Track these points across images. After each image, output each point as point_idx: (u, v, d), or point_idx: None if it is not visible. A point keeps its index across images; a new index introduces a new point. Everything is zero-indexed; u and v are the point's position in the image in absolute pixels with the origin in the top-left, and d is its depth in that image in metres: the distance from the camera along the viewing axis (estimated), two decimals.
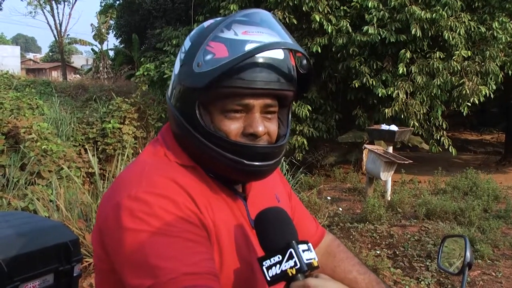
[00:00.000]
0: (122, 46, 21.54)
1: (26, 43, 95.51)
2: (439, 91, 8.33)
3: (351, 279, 1.19)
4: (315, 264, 0.84)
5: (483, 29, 8.27)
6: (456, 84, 8.23)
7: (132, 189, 0.89)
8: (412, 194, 6.96)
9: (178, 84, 0.98)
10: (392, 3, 8.12)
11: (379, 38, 8.20)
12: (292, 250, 0.82)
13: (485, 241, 4.86)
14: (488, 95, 8.29)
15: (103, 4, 23.76)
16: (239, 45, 0.90)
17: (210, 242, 0.92)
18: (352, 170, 9.44)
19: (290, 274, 0.81)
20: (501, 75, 8.53)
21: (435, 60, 8.27)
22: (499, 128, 16.43)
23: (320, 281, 0.80)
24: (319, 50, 8.58)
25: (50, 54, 58.75)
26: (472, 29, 8.29)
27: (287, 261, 0.81)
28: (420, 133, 9.09)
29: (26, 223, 1.68)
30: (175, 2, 14.06)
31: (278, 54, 0.94)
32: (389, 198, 6.65)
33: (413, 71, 8.36)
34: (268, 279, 0.82)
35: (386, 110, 8.51)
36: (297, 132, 9.19)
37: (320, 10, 8.54)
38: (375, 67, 8.75)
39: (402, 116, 8.56)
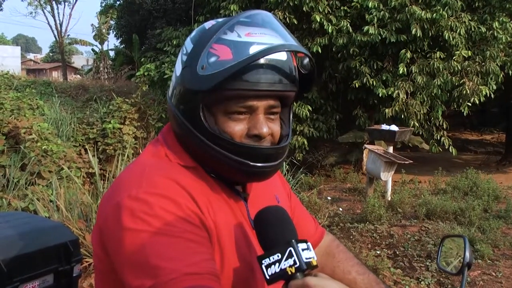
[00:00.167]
0: (122, 46, 21.57)
1: (26, 44, 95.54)
2: (439, 91, 8.33)
3: (350, 280, 1.19)
4: (314, 263, 0.84)
5: (483, 29, 8.27)
6: (456, 84, 8.24)
7: (133, 189, 0.89)
8: (412, 194, 6.95)
9: (181, 86, 0.98)
10: (393, 3, 8.12)
11: (380, 38, 8.21)
12: (291, 248, 0.82)
13: (485, 241, 4.86)
14: (488, 95, 8.29)
15: (103, 5, 23.82)
16: (243, 47, 0.90)
17: (211, 243, 0.92)
18: (353, 170, 9.45)
19: (289, 273, 0.81)
20: (501, 75, 8.53)
21: (435, 60, 8.27)
22: (499, 128, 16.42)
23: (319, 280, 0.80)
24: (320, 50, 8.59)
25: (51, 54, 58.77)
26: (473, 29, 8.29)
27: (286, 259, 0.81)
28: (420, 133, 9.09)
29: (26, 224, 1.68)
30: (176, 2, 14.07)
31: (281, 55, 0.94)
32: (389, 198, 6.64)
33: (413, 71, 8.36)
34: (267, 277, 0.82)
35: (387, 110, 8.52)
36: (298, 132, 9.20)
37: (321, 10, 8.54)
38: (375, 67, 8.76)
39: (403, 116, 8.56)
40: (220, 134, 0.94)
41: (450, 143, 8.91)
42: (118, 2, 20.67)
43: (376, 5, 8.27)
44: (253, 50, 0.89)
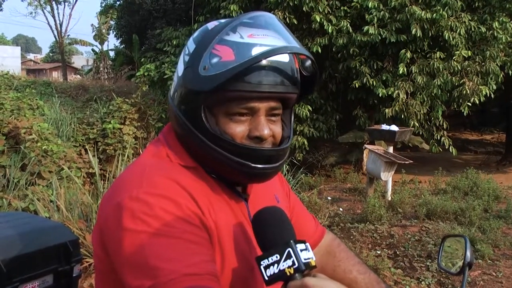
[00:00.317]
0: (122, 46, 21.57)
1: (26, 44, 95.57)
2: (439, 91, 8.33)
3: (351, 279, 1.19)
4: (313, 263, 0.84)
5: (483, 29, 8.27)
6: (456, 84, 8.24)
7: (133, 189, 0.89)
8: (413, 194, 6.95)
9: (183, 86, 0.98)
10: (393, 3, 8.12)
11: (380, 38, 8.21)
12: (290, 249, 0.82)
13: (486, 241, 4.86)
14: (488, 95, 8.29)
15: (103, 5, 23.82)
16: (246, 48, 0.90)
17: (211, 244, 0.92)
18: (353, 170, 9.44)
19: (288, 274, 0.81)
20: (501, 75, 8.53)
21: (435, 60, 8.27)
22: (499, 128, 16.43)
23: (318, 280, 0.80)
24: (320, 50, 8.59)
25: (51, 54, 58.78)
26: (473, 29, 8.29)
27: (285, 260, 0.81)
28: (420, 133, 9.09)
29: (26, 224, 1.68)
30: (176, 2, 14.07)
31: (283, 57, 0.94)
32: (389, 198, 6.64)
33: (413, 71, 8.36)
34: (266, 278, 0.82)
35: (387, 110, 8.52)
36: (298, 132, 9.20)
37: (321, 10, 8.54)
38: (375, 67, 8.76)
39: (403, 116, 8.56)
40: (221, 135, 0.94)
41: (450, 143, 8.91)
42: (118, 2, 20.67)
43: (376, 5, 8.26)
44: (255, 51, 0.89)
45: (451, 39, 8.03)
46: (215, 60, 0.91)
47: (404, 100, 8.42)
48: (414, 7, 7.99)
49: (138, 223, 0.85)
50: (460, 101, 8.46)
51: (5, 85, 14.99)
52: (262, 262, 0.83)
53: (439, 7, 7.97)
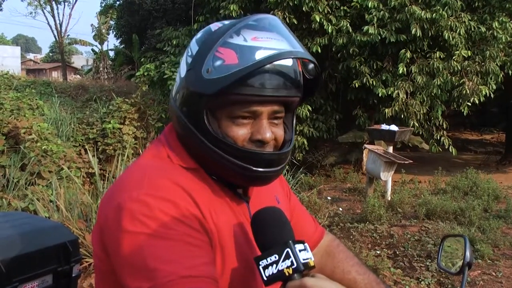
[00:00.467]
0: (122, 46, 21.58)
1: (26, 44, 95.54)
2: (439, 91, 8.32)
3: (350, 280, 1.19)
4: (312, 263, 0.84)
5: (483, 29, 8.26)
6: (456, 84, 8.23)
7: (134, 191, 0.89)
8: (412, 194, 6.95)
9: (185, 88, 0.97)
10: (392, 3, 8.12)
11: (379, 38, 8.20)
12: (288, 249, 0.82)
13: (485, 241, 4.86)
14: (488, 95, 8.28)
15: (103, 5, 23.83)
16: (249, 51, 0.89)
17: (211, 247, 0.91)
18: (352, 170, 9.44)
19: (287, 274, 0.81)
20: (501, 75, 8.53)
21: (435, 60, 8.26)
22: (499, 128, 16.42)
23: (316, 280, 0.80)
24: (319, 50, 8.58)
25: (50, 54, 58.78)
26: (472, 29, 8.28)
27: (283, 260, 0.81)
28: (420, 133, 9.09)
29: (25, 224, 1.68)
30: (175, 2, 14.07)
31: (287, 60, 0.94)
32: (389, 198, 6.64)
33: (413, 71, 8.36)
34: (265, 278, 0.82)
35: (386, 110, 8.51)
36: (298, 132, 9.19)
37: (320, 10, 8.53)
38: (375, 67, 8.75)
39: (402, 116, 8.55)
40: (223, 138, 0.94)
41: (450, 143, 8.91)
42: (118, 2, 20.68)
43: (376, 5, 8.26)
44: (259, 55, 0.89)
45: (451, 39, 8.03)
46: (218, 63, 0.90)
47: (404, 100, 8.41)
48: (414, 7, 7.98)
49: (137, 224, 0.85)
50: (460, 101, 8.45)
51: (5, 85, 15.01)
52: (260, 262, 0.83)
53: (439, 7, 7.96)
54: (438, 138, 8.90)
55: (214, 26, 0.99)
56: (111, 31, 23.64)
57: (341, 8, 8.77)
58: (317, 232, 1.29)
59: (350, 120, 9.82)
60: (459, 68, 8.19)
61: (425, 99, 8.53)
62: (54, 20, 33.15)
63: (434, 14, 7.91)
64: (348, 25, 8.47)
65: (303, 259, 0.82)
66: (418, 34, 8.01)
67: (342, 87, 9.71)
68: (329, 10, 8.71)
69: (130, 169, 1.00)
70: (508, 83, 9.71)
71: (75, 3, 41.68)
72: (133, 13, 16.52)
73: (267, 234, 0.89)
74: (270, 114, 0.96)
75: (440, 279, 4.09)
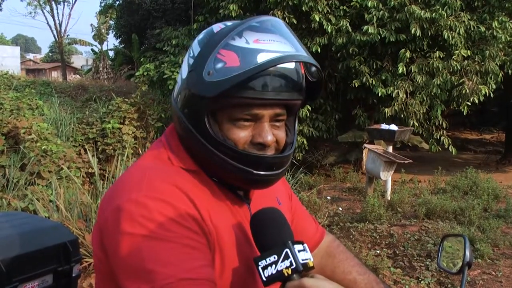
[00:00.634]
0: (122, 46, 21.59)
1: (26, 44, 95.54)
2: (439, 90, 8.33)
3: (350, 280, 1.19)
4: (311, 264, 0.84)
5: (482, 29, 8.27)
6: (456, 83, 8.24)
7: (133, 192, 0.89)
8: (412, 194, 6.95)
9: (186, 90, 0.97)
10: (392, 3, 8.12)
11: (379, 37, 8.21)
12: (287, 250, 0.82)
13: (485, 241, 4.86)
14: (488, 94, 8.29)
15: (102, 5, 23.81)
16: (251, 54, 0.88)
17: (210, 249, 0.91)
18: (352, 170, 9.44)
19: (286, 274, 0.81)
20: (501, 75, 8.53)
21: (434, 59, 8.27)
22: (499, 128, 16.43)
23: (315, 281, 0.80)
24: (319, 50, 8.59)
25: (50, 54, 58.78)
26: (472, 29, 8.29)
27: (282, 261, 0.82)
28: (420, 132, 9.10)
29: (25, 224, 1.68)
30: (175, 2, 14.08)
31: (289, 63, 0.93)
32: (389, 198, 6.64)
33: (412, 71, 8.36)
34: (264, 279, 0.82)
35: (386, 109, 8.52)
36: (297, 132, 9.17)
37: (320, 9, 8.54)
38: (374, 66, 8.76)
39: (402, 116, 8.56)
40: (224, 141, 0.94)
41: (450, 142, 8.91)
42: (117, 2, 20.68)
43: (376, 5, 8.27)
44: (261, 58, 0.88)
45: (451, 38, 8.03)
46: (219, 65, 0.89)
47: (403, 100, 8.42)
48: (414, 7, 7.99)
49: (136, 226, 0.85)
50: (460, 100, 8.46)
51: (4, 85, 15.00)
52: (260, 263, 0.83)
53: (438, 7, 7.96)
54: (438, 137, 8.90)
55: (216, 27, 0.98)
56: (111, 31, 23.66)
57: (341, 7, 8.78)
58: (318, 232, 1.29)
59: (349, 119, 9.83)
60: (459, 67, 8.20)
61: (425, 98, 8.54)
62: (54, 20, 33.20)
63: (433, 14, 7.92)
64: (348, 24, 8.48)
65: (302, 260, 0.82)
66: (417, 34, 8.01)
67: (341, 86, 9.72)
68: (329, 9, 8.72)
69: (130, 170, 1.00)
70: (508, 82, 9.71)
71: (74, 3, 41.74)
72: (132, 13, 16.53)
73: (266, 235, 0.89)
74: (272, 117, 0.96)
75: (440, 279, 4.09)
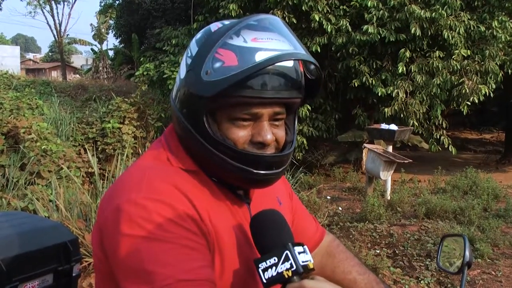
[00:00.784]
0: (121, 46, 21.58)
1: (25, 43, 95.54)
2: (438, 90, 8.33)
3: (350, 280, 1.19)
4: (311, 266, 0.84)
5: (482, 28, 8.27)
6: (455, 83, 8.24)
7: (132, 193, 0.89)
8: (412, 193, 6.96)
9: (184, 90, 0.96)
10: (392, 2, 8.12)
11: (379, 37, 8.21)
12: (288, 252, 0.82)
13: (485, 240, 4.86)
14: (488, 94, 8.29)
15: (102, 4, 23.79)
16: (249, 53, 0.88)
17: (209, 250, 0.91)
18: (352, 170, 9.44)
19: (286, 276, 0.81)
20: (500, 74, 8.53)
21: (434, 59, 8.27)
22: (499, 127, 16.44)
23: (315, 283, 0.80)
24: (319, 50, 8.59)
25: (50, 54, 58.75)
26: (472, 28, 8.29)
27: (283, 263, 0.82)
28: (420, 132, 9.10)
29: (25, 223, 1.68)
30: (175, 2, 14.08)
31: (287, 62, 0.93)
32: (388, 198, 6.64)
33: (412, 70, 8.37)
34: (264, 281, 0.82)
35: (386, 109, 8.52)
36: (297, 132, 9.17)
37: (320, 9, 8.54)
38: (374, 66, 8.76)
39: (402, 116, 8.56)
40: (223, 141, 0.93)
41: (450, 142, 8.91)
42: (117, 2, 20.67)
43: (375, 4, 8.27)
44: (259, 56, 0.88)
45: (451, 38, 8.04)
46: (217, 64, 0.89)
47: (403, 99, 8.42)
48: (414, 6, 7.99)
49: (135, 227, 0.85)
50: (460, 100, 8.47)
51: (4, 85, 15.00)
52: (260, 265, 0.83)
53: (438, 6, 7.97)
54: (438, 137, 8.91)
55: (214, 26, 0.98)
56: (111, 30, 23.66)
57: (341, 7, 8.78)
58: (318, 232, 1.29)
59: (349, 119, 9.83)
60: (459, 67, 8.20)
61: (425, 98, 8.54)
62: (54, 20, 33.17)
63: (433, 13, 7.92)
64: (348, 24, 8.48)
65: (302, 262, 0.82)
66: (417, 33, 8.01)
67: (341, 86, 9.72)
68: (329, 9, 8.72)
69: (129, 170, 1.00)
70: (508, 82, 9.72)
71: (74, 2, 41.74)
72: (132, 12, 16.53)
73: (266, 237, 0.88)
74: (271, 116, 0.95)
75: (439, 278, 4.09)
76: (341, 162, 10.32)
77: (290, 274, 0.81)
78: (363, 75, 8.55)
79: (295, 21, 8.80)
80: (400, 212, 6.00)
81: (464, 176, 7.75)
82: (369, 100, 9.28)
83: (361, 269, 1.21)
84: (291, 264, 0.81)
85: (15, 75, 21.10)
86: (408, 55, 8.25)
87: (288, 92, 0.93)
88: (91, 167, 6.40)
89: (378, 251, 4.68)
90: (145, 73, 10.15)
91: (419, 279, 4.10)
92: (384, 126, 7.34)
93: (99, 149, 7.95)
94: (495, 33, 8.24)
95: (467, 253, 1.19)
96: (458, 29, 8.08)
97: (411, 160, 7.05)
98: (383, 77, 8.61)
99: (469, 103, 8.39)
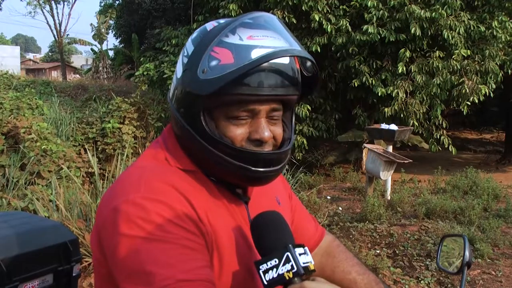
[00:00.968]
0: (121, 46, 21.56)
1: (25, 43, 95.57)
2: (438, 90, 8.33)
3: (350, 280, 1.19)
4: (312, 267, 0.84)
5: (482, 28, 8.27)
6: (455, 83, 8.24)
7: (131, 193, 0.89)
8: (412, 193, 6.96)
9: (182, 89, 0.96)
10: (392, 2, 8.12)
11: (379, 37, 8.21)
12: (288, 253, 0.82)
13: (485, 240, 4.87)
14: (488, 94, 8.29)
15: (102, 4, 23.79)
16: (245, 51, 0.88)
17: (208, 250, 0.91)
18: (352, 170, 9.45)
19: (287, 278, 0.81)
20: (500, 74, 8.53)
21: (434, 59, 8.27)
22: (499, 127, 16.43)
23: (316, 284, 0.80)
24: (319, 50, 8.59)
25: (50, 54, 58.77)
26: (472, 28, 8.29)
27: (283, 264, 0.82)
28: (420, 132, 9.10)
29: (25, 223, 1.68)
30: (175, 2, 14.06)
31: (283, 59, 0.93)
32: (389, 198, 6.65)
33: (412, 70, 8.36)
34: (265, 283, 0.82)
35: (386, 109, 8.52)
36: (297, 132, 9.19)
37: (320, 9, 8.54)
38: (374, 66, 8.76)
39: (402, 115, 8.56)
40: (221, 139, 0.93)
41: (450, 142, 8.91)
42: (117, 2, 20.64)
43: (375, 4, 8.27)
44: (255, 54, 0.88)
45: (451, 38, 8.04)
46: (214, 63, 0.89)
47: (403, 99, 8.42)
48: (413, 6, 7.99)
49: (133, 227, 0.85)
50: (460, 100, 8.46)
51: (4, 85, 14.99)
52: (261, 267, 0.83)
53: (438, 6, 7.97)
54: (438, 137, 8.91)
55: (210, 25, 0.98)
56: (111, 30, 23.66)
57: (341, 7, 8.78)
58: (318, 232, 1.29)
59: (349, 119, 9.83)
60: (459, 67, 8.20)
61: (425, 98, 8.54)
62: (54, 20, 33.19)
63: (433, 13, 7.92)
64: (348, 24, 8.48)
65: (303, 263, 0.82)
66: (417, 33, 8.01)
67: (341, 86, 9.72)
68: (329, 9, 8.72)
69: (127, 171, 1.00)
70: (508, 82, 9.72)
71: (74, 2, 41.74)
72: (132, 12, 16.52)
73: (267, 238, 0.88)
74: (268, 113, 0.95)
75: (439, 278, 4.09)
76: (341, 162, 10.33)
77: (291, 275, 0.81)
78: (363, 75, 8.54)
79: (295, 21, 8.81)
80: (400, 212, 6.01)
81: (464, 176, 7.75)
82: (369, 100, 9.28)
83: (361, 269, 1.21)
84: (292, 265, 0.81)
85: (15, 75, 21.07)
86: (408, 55, 8.25)
87: (284, 89, 0.93)
88: (91, 167, 6.40)
89: (378, 251, 4.69)
90: (145, 73, 10.15)
91: (419, 279, 4.11)
92: (384, 126, 7.34)
93: (99, 149, 7.94)
94: (495, 33, 8.24)
95: (467, 253, 1.19)
96: (458, 29, 8.08)
97: (411, 160, 7.05)
98: (383, 77, 8.61)
99: (469, 103, 8.39)
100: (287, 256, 0.82)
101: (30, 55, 64.59)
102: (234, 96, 0.90)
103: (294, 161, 8.04)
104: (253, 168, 0.94)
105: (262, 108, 0.94)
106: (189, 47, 0.97)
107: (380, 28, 8.22)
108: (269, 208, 0.96)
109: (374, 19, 8.21)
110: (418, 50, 8.62)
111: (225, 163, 0.94)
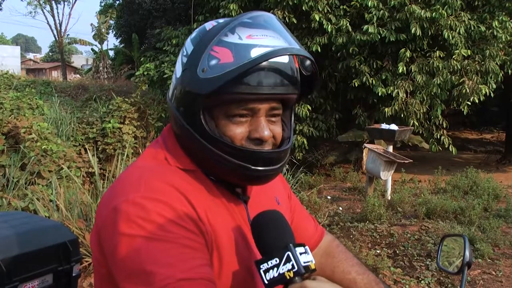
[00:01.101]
0: (122, 46, 21.55)
1: (26, 43, 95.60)
2: (439, 90, 8.33)
3: (350, 280, 1.19)
4: (313, 266, 0.84)
5: (483, 28, 8.26)
6: (456, 83, 8.24)
7: (130, 193, 0.89)
8: (412, 193, 6.95)
9: (181, 88, 0.97)
10: (392, 2, 8.12)
11: (379, 37, 8.21)
12: (289, 253, 0.82)
13: (485, 240, 4.87)
14: (488, 94, 8.28)
15: (103, 4, 23.77)
16: (244, 50, 0.89)
17: (208, 249, 0.91)
18: (352, 170, 9.45)
19: (288, 277, 0.81)
20: (501, 74, 8.53)
21: (435, 59, 8.27)
22: (499, 127, 16.43)
23: (317, 283, 0.80)
24: (319, 50, 8.59)
25: (50, 54, 58.84)
26: (472, 28, 8.29)
27: (284, 264, 0.82)
28: (420, 132, 9.09)
29: (25, 223, 1.68)
30: (175, 1, 14.05)
31: (283, 57, 0.93)
32: (389, 198, 6.65)
33: (413, 70, 8.36)
34: (266, 282, 0.82)
35: (386, 109, 8.51)
36: (297, 132, 9.19)
37: (320, 9, 8.54)
38: (375, 66, 8.75)
39: (402, 115, 8.56)
40: (220, 138, 0.94)
41: (450, 142, 8.91)
42: (117, 2, 20.62)
43: (376, 4, 8.27)
44: (254, 53, 0.88)
45: (451, 38, 8.03)
46: (213, 62, 0.90)
47: (403, 99, 8.42)
48: (414, 6, 7.99)
49: (133, 227, 0.85)
50: (460, 100, 8.46)
51: (4, 85, 15.00)
52: (261, 266, 0.83)
53: (438, 6, 7.96)
54: (438, 137, 8.90)
55: (209, 25, 0.98)
56: (111, 30, 23.65)
57: (341, 7, 8.78)
58: (318, 232, 1.29)
59: (350, 119, 9.83)
60: (459, 67, 8.19)
61: (425, 98, 8.53)
62: (54, 20, 33.23)
63: (434, 13, 7.92)
64: (348, 24, 8.48)
65: (304, 262, 0.82)
66: (418, 33, 8.01)
67: (341, 86, 9.72)
68: (329, 9, 8.72)
69: (127, 171, 1.00)
70: (508, 82, 9.72)
71: (74, 2, 41.75)
72: (132, 12, 16.50)
73: (267, 238, 0.88)
74: (268, 111, 0.96)
75: (440, 278, 4.09)
76: (342, 162, 10.33)
77: (291, 275, 0.81)
78: (363, 75, 8.54)
79: (295, 21, 8.81)
80: (401, 212, 6.01)
81: (465, 176, 7.75)
82: (369, 100, 9.28)
83: (361, 269, 1.21)
84: (292, 265, 0.81)
85: (15, 75, 21.09)
86: (408, 55, 8.25)
87: (284, 88, 0.94)
88: (91, 167, 6.41)
89: (378, 251, 4.69)
90: (145, 73, 10.15)
91: (420, 279, 4.10)
92: (384, 126, 7.34)
93: (99, 149, 7.94)
94: (495, 33, 8.24)
95: (467, 253, 1.19)
96: (458, 29, 8.08)
97: (411, 160, 7.05)
98: (383, 77, 8.60)
99: (470, 103, 8.39)
100: (288, 255, 0.82)
101: (31, 55, 64.63)
102: (234, 95, 0.91)
103: (295, 161, 8.04)
104: (253, 167, 0.94)
105: (262, 107, 0.94)
106: (188, 46, 0.97)
107: (380, 28, 8.22)
108: (268, 208, 0.96)
109: (375, 19, 8.21)
110: (419, 50, 8.62)
111: (225, 162, 0.94)
